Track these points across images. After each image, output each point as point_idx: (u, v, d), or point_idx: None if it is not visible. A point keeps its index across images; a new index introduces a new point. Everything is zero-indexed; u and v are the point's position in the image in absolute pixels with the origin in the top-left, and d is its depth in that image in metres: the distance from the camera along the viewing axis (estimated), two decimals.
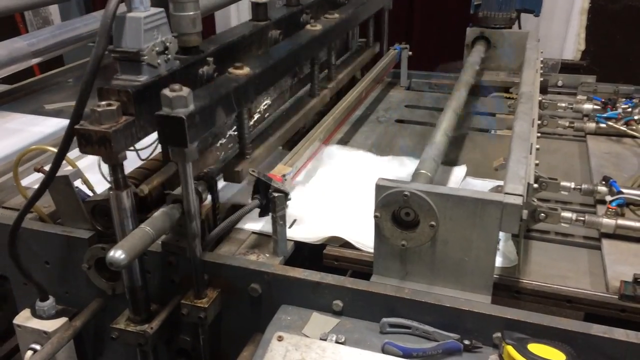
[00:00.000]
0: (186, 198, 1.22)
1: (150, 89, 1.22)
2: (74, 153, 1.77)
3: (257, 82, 1.49)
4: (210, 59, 1.41)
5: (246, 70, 1.44)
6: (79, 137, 1.14)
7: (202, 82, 1.39)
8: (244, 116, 1.53)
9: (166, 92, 1.13)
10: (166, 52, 1.27)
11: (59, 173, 1.33)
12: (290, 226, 1.53)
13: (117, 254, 1.09)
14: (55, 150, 1.26)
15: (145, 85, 1.21)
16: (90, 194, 1.50)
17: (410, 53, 2.65)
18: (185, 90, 1.14)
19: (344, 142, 2.14)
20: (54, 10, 4.32)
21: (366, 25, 2.63)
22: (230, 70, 1.44)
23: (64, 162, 1.27)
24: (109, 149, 1.13)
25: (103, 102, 1.15)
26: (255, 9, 1.75)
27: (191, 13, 1.34)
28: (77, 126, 1.14)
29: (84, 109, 1.17)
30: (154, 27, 1.23)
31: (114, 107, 1.14)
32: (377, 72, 2.39)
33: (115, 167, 1.19)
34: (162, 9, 1.26)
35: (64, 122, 2.18)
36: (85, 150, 1.15)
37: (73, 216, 1.45)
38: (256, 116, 1.73)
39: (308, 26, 1.93)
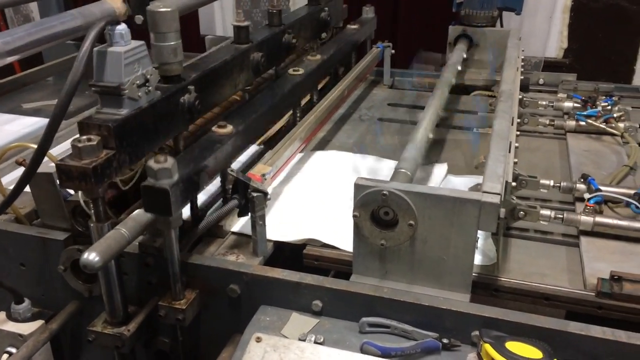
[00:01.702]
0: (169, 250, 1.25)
1: (130, 122, 1.23)
2: (57, 150, 1.76)
3: (239, 140, 1.53)
4: (191, 87, 1.41)
5: (229, 128, 1.48)
6: (59, 172, 1.15)
7: (184, 111, 1.40)
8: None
9: (151, 163, 1.16)
10: (147, 84, 1.27)
11: (43, 170, 1.32)
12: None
13: (90, 256, 1.08)
14: (33, 147, 1.25)
15: (126, 119, 1.21)
16: (72, 192, 1.48)
17: (393, 51, 2.65)
18: (170, 162, 1.17)
19: (326, 140, 2.13)
20: (34, 7, 4.27)
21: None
22: (214, 129, 1.48)
23: (47, 159, 1.27)
24: (89, 184, 1.14)
25: (84, 137, 1.16)
26: (237, 32, 1.74)
27: (172, 43, 1.35)
28: (57, 162, 1.16)
29: (55, 133, 1.18)
30: (135, 60, 1.23)
31: (94, 143, 1.15)
32: (359, 70, 2.38)
33: (96, 200, 1.20)
34: (142, 42, 1.26)
35: (42, 121, 2.15)
36: (65, 185, 1.17)
37: (53, 214, 1.44)
38: None
39: (290, 70, 1.95)
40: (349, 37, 2.48)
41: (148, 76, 1.27)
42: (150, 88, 1.28)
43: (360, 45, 2.65)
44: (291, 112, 2.02)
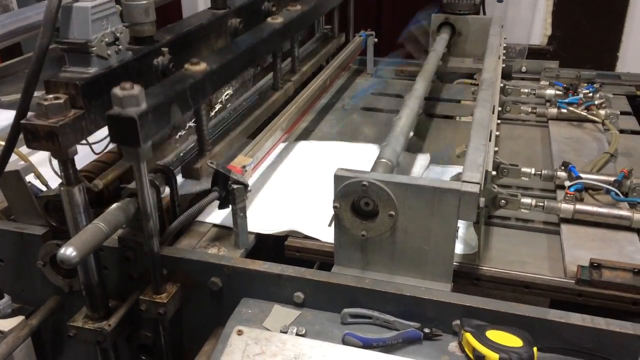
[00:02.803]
0: (141, 196, 1.19)
1: (100, 82, 1.18)
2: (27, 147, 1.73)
3: (215, 78, 1.44)
4: (165, 50, 1.37)
5: (203, 66, 1.40)
6: (25, 132, 1.10)
7: (157, 73, 1.35)
8: (201, 113, 1.50)
9: (116, 90, 1.08)
10: (117, 42, 1.23)
11: (10, 168, 1.29)
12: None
13: (67, 251, 1.06)
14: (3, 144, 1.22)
15: (95, 78, 1.17)
16: (44, 188, 1.46)
17: (376, 40, 2.64)
18: (137, 89, 1.09)
19: (309, 130, 2.12)
20: None
21: (332, 12, 2.60)
22: (187, 66, 1.40)
23: (16, 156, 1.24)
24: (57, 144, 1.09)
25: (50, 96, 1.11)
26: None
27: (144, 2, 1.30)
28: (23, 121, 1.10)
29: (30, 101, 1.13)
30: (103, 17, 1.19)
31: (61, 101, 1.10)
32: (342, 59, 2.37)
33: (66, 162, 1.16)
34: None
35: None
36: (32, 145, 1.11)
37: (26, 212, 1.41)
38: (217, 107, 1.70)
39: (269, 19, 1.89)
40: None
41: (118, 34, 1.22)
42: (120, 47, 1.23)
43: (343, 3, 2.59)
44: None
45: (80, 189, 1.19)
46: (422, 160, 1.85)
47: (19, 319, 1.41)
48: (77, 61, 1.18)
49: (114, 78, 1.20)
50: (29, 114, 1.13)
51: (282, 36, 1.90)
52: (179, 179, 1.49)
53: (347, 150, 1.93)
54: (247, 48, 1.64)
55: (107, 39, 1.20)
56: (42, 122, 1.09)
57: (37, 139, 1.09)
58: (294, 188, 1.70)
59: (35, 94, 1.15)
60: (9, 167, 1.22)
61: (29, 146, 1.12)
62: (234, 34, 1.73)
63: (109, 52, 1.21)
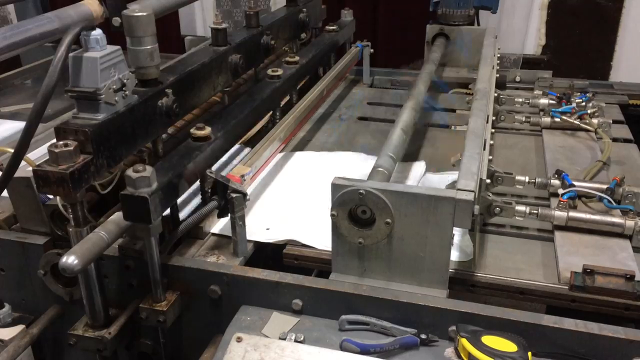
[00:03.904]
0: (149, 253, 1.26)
1: (108, 127, 1.23)
2: (35, 154, 1.75)
3: (219, 145, 1.54)
4: (169, 91, 1.42)
5: (207, 130, 1.50)
6: (36, 178, 1.15)
7: (162, 114, 1.40)
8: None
9: (130, 173, 1.17)
10: (124, 88, 1.27)
11: (21, 174, 1.32)
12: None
13: (70, 259, 1.09)
14: (10, 151, 1.25)
15: (103, 124, 1.22)
16: (51, 196, 1.47)
17: (372, 50, 2.67)
18: (149, 170, 1.18)
19: (306, 140, 2.14)
20: (12, 9, 4.21)
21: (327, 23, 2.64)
22: (192, 131, 1.50)
23: (25, 163, 1.27)
24: (67, 189, 1.14)
25: (60, 142, 1.16)
26: (215, 34, 1.75)
27: (149, 47, 1.36)
28: (34, 167, 1.16)
29: (31, 138, 1.18)
30: (111, 65, 1.23)
31: (71, 148, 1.15)
32: (338, 70, 2.40)
33: (75, 205, 1.21)
34: (118, 47, 1.27)
35: (20, 125, 2.13)
36: (43, 190, 1.17)
37: (32, 219, 1.44)
38: None
39: (269, 71, 1.95)
40: (327, 39, 2.49)
41: (125, 80, 1.27)
42: (127, 92, 1.28)
43: (339, 48, 2.66)
44: (270, 112, 2.03)
45: (88, 230, 1.23)
46: (417, 168, 1.87)
47: (19, 327, 1.42)
48: (86, 108, 1.22)
49: (120, 122, 1.26)
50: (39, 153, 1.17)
51: (282, 93, 2.00)
52: None
53: (344, 160, 1.95)
54: (249, 111, 1.73)
55: (114, 86, 1.24)
56: (52, 168, 1.14)
57: (48, 184, 1.15)
58: (291, 197, 1.72)
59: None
60: (19, 174, 1.24)
61: (39, 191, 1.21)
62: (235, 70, 1.78)
63: (116, 98, 1.25)
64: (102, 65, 1.20)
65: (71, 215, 1.22)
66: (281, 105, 2.08)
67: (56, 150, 1.14)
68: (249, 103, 1.78)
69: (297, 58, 2.12)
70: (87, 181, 1.19)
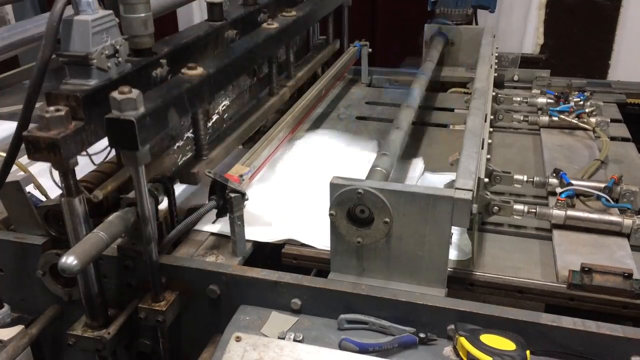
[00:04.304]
0: (140, 202, 1.21)
1: (100, 93, 1.20)
2: (26, 158, 1.75)
3: (212, 83, 1.46)
4: (163, 61, 1.39)
5: (200, 70, 1.42)
6: (27, 144, 1.11)
7: (156, 85, 1.37)
8: (199, 117, 1.52)
9: (115, 94, 1.11)
10: (116, 55, 1.25)
11: (10, 179, 1.31)
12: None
13: (69, 260, 1.08)
14: (4, 155, 1.24)
15: (95, 90, 1.19)
16: (44, 199, 1.48)
17: (370, 50, 2.67)
18: (135, 92, 1.12)
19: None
20: (10, 10, 4.21)
21: (326, 22, 2.63)
22: (184, 71, 1.42)
23: (16, 167, 1.25)
24: (58, 155, 1.11)
25: (51, 108, 1.13)
26: (211, 9, 1.74)
27: (142, 15, 1.32)
28: (24, 133, 1.12)
29: (31, 113, 1.15)
30: (103, 29, 1.21)
31: (62, 113, 1.12)
32: (337, 69, 2.40)
33: (66, 173, 1.18)
34: (110, 12, 1.24)
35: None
36: (34, 157, 1.13)
37: (26, 222, 1.43)
38: (215, 117, 1.73)
39: (264, 25, 1.91)
40: None
41: (117, 47, 1.24)
42: (120, 59, 1.25)
43: (336, 10, 2.62)
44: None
45: (80, 199, 1.20)
46: (416, 167, 1.87)
47: (18, 328, 1.42)
48: (78, 73, 1.20)
49: (113, 90, 1.20)
50: (30, 125, 1.15)
51: (277, 41, 1.92)
52: (180, 188, 1.51)
53: (344, 155, 1.95)
54: (243, 52, 1.66)
55: (107, 52, 1.22)
56: (43, 134, 1.10)
57: (39, 150, 1.11)
58: (290, 196, 1.72)
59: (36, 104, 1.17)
60: (9, 178, 1.23)
61: (30, 158, 1.13)
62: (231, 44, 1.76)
63: (108, 64, 1.23)
64: (94, 28, 1.17)
65: (63, 184, 1.18)
66: (278, 60, 2.04)
67: (47, 115, 1.10)
68: (242, 46, 1.71)
69: (293, 12, 2.08)
70: (79, 149, 1.15)
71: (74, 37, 1.18)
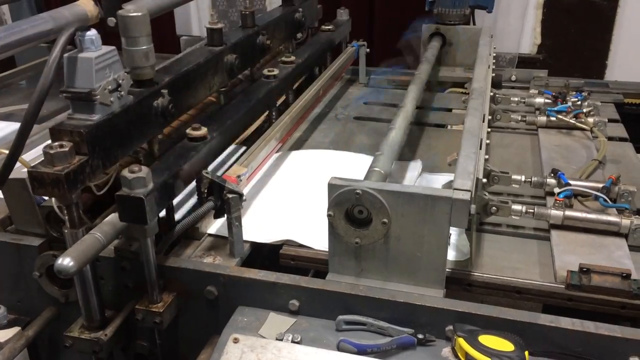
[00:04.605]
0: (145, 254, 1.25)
1: (103, 128, 1.22)
2: (30, 155, 1.74)
3: (215, 146, 1.54)
4: (164, 91, 1.41)
5: (203, 131, 1.49)
6: (31, 179, 1.15)
7: (157, 115, 1.40)
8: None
9: (125, 173, 1.16)
10: (119, 89, 1.27)
11: (16, 175, 1.31)
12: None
13: (65, 261, 1.08)
14: (6, 152, 1.24)
15: (98, 125, 1.21)
16: (46, 197, 1.47)
17: (368, 50, 2.67)
18: (144, 171, 1.18)
19: (302, 140, 2.14)
20: (7, 10, 4.20)
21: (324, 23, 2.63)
22: (188, 131, 1.49)
23: (20, 164, 1.26)
24: (62, 190, 1.13)
25: (55, 144, 1.15)
26: (211, 34, 1.75)
27: (144, 47, 1.34)
28: (29, 169, 1.15)
29: (27, 137, 1.17)
30: (106, 65, 1.23)
31: (66, 149, 1.14)
32: (334, 69, 2.40)
33: (70, 206, 1.20)
34: (113, 48, 1.26)
35: (14, 126, 2.13)
36: (38, 192, 1.17)
37: (27, 221, 1.43)
38: None
39: (265, 71, 1.95)
40: (323, 39, 2.49)
41: (120, 81, 1.26)
42: (122, 93, 1.28)
43: (335, 47, 2.66)
44: (267, 112, 2.02)
45: (83, 231, 1.22)
46: (414, 168, 1.87)
47: (15, 329, 1.42)
48: (81, 109, 1.22)
49: (116, 123, 1.26)
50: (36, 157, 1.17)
51: (278, 92, 1.99)
52: None
53: (340, 160, 1.95)
54: (245, 111, 1.72)
55: (110, 87, 1.24)
56: (48, 170, 1.13)
57: (43, 186, 1.14)
58: (288, 197, 1.72)
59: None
60: (14, 175, 1.24)
61: (35, 193, 1.18)
62: (230, 70, 1.77)
63: (111, 99, 1.24)
64: (97, 65, 1.20)
65: (66, 217, 1.21)
66: (277, 105, 2.08)
67: (51, 152, 1.13)
68: (245, 103, 1.77)
69: (293, 58, 2.12)
70: (83, 182, 1.18)
71: (78, 74, 1.20)
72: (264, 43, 1.97)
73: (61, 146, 1.14)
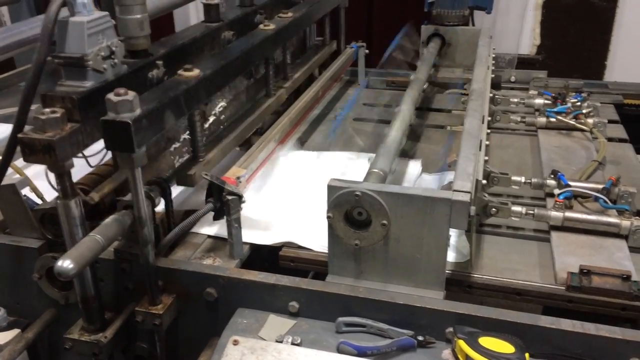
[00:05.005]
0: (136, 204, 1.21)
1: (96, 95, 1.19)
2: (22, 160, 1.74)
3: (208, 84, 1.46)
4: (159, 62, 1.39)
5: (196, 72, 1.41)
6: (22, 145, 1.11)
7: (152, 86, 1.37)
8: (195, 119, 1.52)
9: (111, 96, 1.11)
10: (112, 56, 1.24)
11: (6, 181, 1.30)
12: None
13: (65, 263, 1.08)
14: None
15: (91, 91, 1.19)
16: (40, 202, 1.47)
17: (367, 51, 2.67)
18: (131, 94, 1.12)
19: (301, 141, 2.14)
20: (6, 12, 4.20)
21: (323, 23, 2.63)
22: (180, 72, 1.41)
23: (12, 170, 1.25)
24: (53, 157, 1.10)
25: (47, 109, 1.13)
26: (207, 10, 1.74)
27: (138, 16, 1.32)
28: (20, 135, 1.11)
29: (27, 116, 1.15)
30: (99, 31, 1.21)
31: (58, 115, 1.12)
32: (333, 70, 2.40)
33: (62, 175, 1.17)
34: (106, 13, 1.24)
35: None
36: (29, 159, 1.12)
37: (22, 225, 1.42)
38: (211, 119, 1.72)
39: (261, 26, 1.91)
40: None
41: (113, 48, 1.24)
42: (116, 61, 1.25)
43: (333, 11, 2.61)
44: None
45: (76, 202, 1.20)
46: (413, 169, 1.87)
47: (14, 332, 1.41)
48: (74, 75, 1.19)
49: (109, 91, 1.20)
50: (26, 127, 1.14)
51: (273, 42, 1.91)
52: (176, 190, 1.50)
53: (340, 161, 1.95)
54: (239, 53, 1.65)
55: (102, 53, 1.21)
56: (39, 135, 1.10)
57: (34, 152, 1.10)
58: (288, 199, 1.72)
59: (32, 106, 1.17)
60: (5, 181, 1.23)
61: (26, 160, 1.13)
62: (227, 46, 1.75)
63: (104, 65, 1.22)
64: (89, 30, 1.17)
65: (59, 187, 1.18)
66: (275, 62, 2.03)
67: (43, 117, 1.10)
68: (239, 47, 1.71)
69: (290, 14, 2.08)
70: (74, 151, 1.15)
71: (69, 39, 1.17)
72: (262, 22, 1.95)
73: (53, 112, 1.11)
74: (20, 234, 1.43)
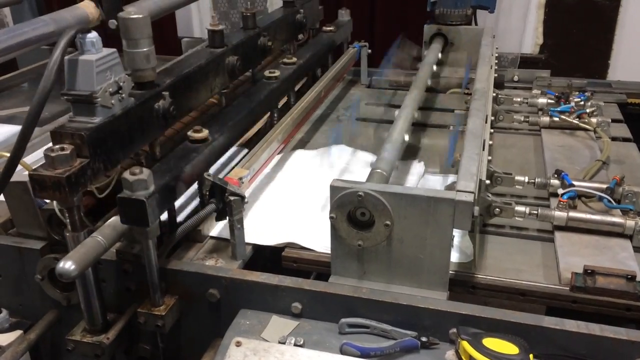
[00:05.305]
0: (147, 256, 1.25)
1: (104, 130, 1.22)
2: (31, 158, 1.74)
3: (217, 147, 1.54)
4: (165, 93, 1.41)
5: (205, 133, 1.49)
6: (32, 182, 1.14)
7: (158, 117, 1.39)
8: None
9: (127, 175, 1.16)
10: (120, 91, 1.26)
11: (17, 179, 1.31)
12: None
13: (67, 265, 1.08)
14: (7, 155, 1.23)
15: (99, 127, 1.21)
16: (47, 200, 1.46)
17: (370, 51, 2.66)
18: (146, 172, 1.18)
19: (304, 142, 2.13)
20: (8, 12, 4.21)
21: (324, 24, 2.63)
22: (190, 134, 1.49)
23: (21, 167, 1.26)
24: (64, 193, 1.13)
25: (56, 146, 1.15)
26: (212, 36, 1.74)
27: (145, 49, 1.34)
28: (30, 172, 1.15)
29: (32, 133, 1.16)
30: (107, 68, 1.23)
31: (67, 152, 1.14)
32: (336, 70, 2.39)
33: (72, 209, 1.20)
34: (114, 50, 1.26)
35: (16, 129, 2.12)
36: (40, 195, 1.16)
37: (29, 224, 1.43)
38: None
39: (266, 73, 1.95)
40: (325, 40, 2.49)
41: (121, 83, 1.26)
42: (123, 95, 1.27)
43: (336, 48, 2.65)
44: (269, 114, 2.02)
45: (85, 234, 1.22)
46: (416, 169, 1.86)
47: (17, 333, 1.41)
48: (82, 111, 1.22)
49: (117, 125, 1.26)
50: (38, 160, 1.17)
51: (279, 94, 1.99)
52: None
53: (344, 159, 1.95)
54: (246, 112, 1.72)
55: (110, 89, 1.23)
56: (49, 172, 1.13)
57: (45, 189, 1.14)
58: (291, 199, 1.71)
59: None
60: (15, 178, 1.23)
61: (36, 196, 1.18)
62: (232, 71, 1.77)
63: (112, 101, 1.24)
64: (98, 68, 1.20)
65: (68, 220, 1.21)
66: (279, 107, 2.08)
67: (52, 154, 1.13)
68: (246, 105, 1.77)
69: (294, 59, 2.12)
70: (84, 185, 1.18)
71: (78, 77, 1.20)
72: (265, 44, 1.97)
73: (62, 149, 1.15)
74: (26, 232, 1.43)
